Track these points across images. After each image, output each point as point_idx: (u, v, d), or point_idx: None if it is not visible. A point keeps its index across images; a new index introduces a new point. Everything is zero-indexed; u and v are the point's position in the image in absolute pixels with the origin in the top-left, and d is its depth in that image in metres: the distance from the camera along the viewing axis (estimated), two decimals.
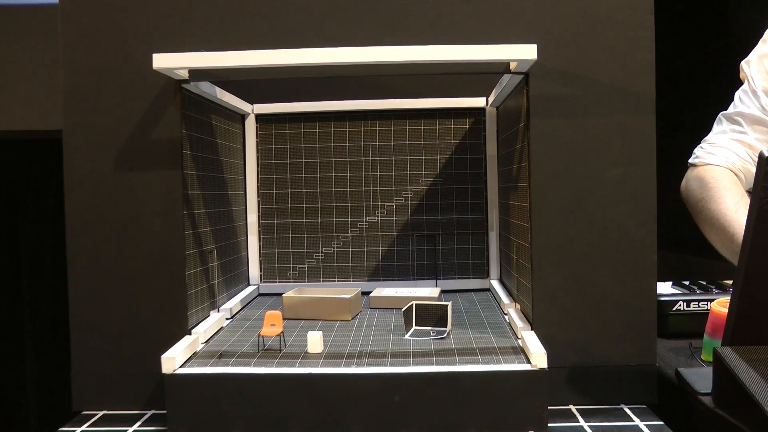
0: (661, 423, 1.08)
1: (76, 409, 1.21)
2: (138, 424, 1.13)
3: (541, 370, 1.05)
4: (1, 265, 2.57)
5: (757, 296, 0.90)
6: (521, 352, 1.12)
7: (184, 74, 1.19)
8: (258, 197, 1.68)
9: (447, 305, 1.25)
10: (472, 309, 1.45)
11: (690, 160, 1.44)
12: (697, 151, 1.43)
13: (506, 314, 1.36)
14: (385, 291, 1.54)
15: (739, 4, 2.68)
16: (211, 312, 1.38)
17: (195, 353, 1.17)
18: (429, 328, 1.25)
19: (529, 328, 1.19)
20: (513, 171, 1.38)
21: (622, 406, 1.16)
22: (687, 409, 1.10)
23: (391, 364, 1.08)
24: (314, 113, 1.66)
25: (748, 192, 1.32)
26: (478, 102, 1.63)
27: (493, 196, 1.63)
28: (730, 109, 1.42)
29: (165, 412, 1.07)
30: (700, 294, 1.44)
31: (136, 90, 1.21)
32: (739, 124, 1.39)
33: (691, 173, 1.42)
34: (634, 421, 1.09)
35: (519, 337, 1.19)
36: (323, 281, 1.68)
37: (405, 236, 1.67)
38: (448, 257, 1.67)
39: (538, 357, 1.05)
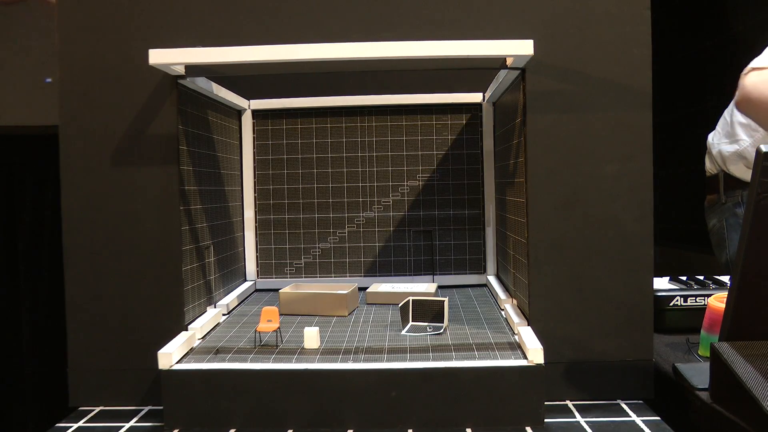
0: (658, 418, 1.08)
1: (72, 405, 1.21)
2: (135, 419, 1.13)
3: (538, 365, 1.05)
4: None
5: (754, 292, 0.90)
6: (518, 348, 1.12)
7: (181, 70, 1.18)
8: (255, 193, 1.68)
9: (444, 301, 1.25)
10: (469, 304, 1.45)
11: (751, 65, 1.42)
12: (757, 60, 1.42)
13: (503, 310, 1.36)
14: (382, 287, 1.54)
15: (737, 1, 2.68)
16: (207, 308, 1.38)
17: (192, 349, 1.17)
18: (426, 323, 1.25)
19: (526, 323, 1.19)
20: (510, 166, 1.38)
21: (618, 401, 1.16)
22: (684, 404, 1.10)
23: (388, 360, 1.08)
24: (311, 109, 1.66)
25: None
26: (475, 98, 1.63)
27: (490, 191, 1.63)
28: None
29: (162, 407, 1.07)
30: (697, 289, 1.44)
31: (132, 85, 1.21)
32: None
33: (759, 75, 1.40)
34: (630, 417, 1.09)
35: (516, 332, 1.19)
36: (320, 277, 1.68)
37: (402, 232, 1.67)
38: (445, 253, 1.66)
39: (535, 352, 1.05)
